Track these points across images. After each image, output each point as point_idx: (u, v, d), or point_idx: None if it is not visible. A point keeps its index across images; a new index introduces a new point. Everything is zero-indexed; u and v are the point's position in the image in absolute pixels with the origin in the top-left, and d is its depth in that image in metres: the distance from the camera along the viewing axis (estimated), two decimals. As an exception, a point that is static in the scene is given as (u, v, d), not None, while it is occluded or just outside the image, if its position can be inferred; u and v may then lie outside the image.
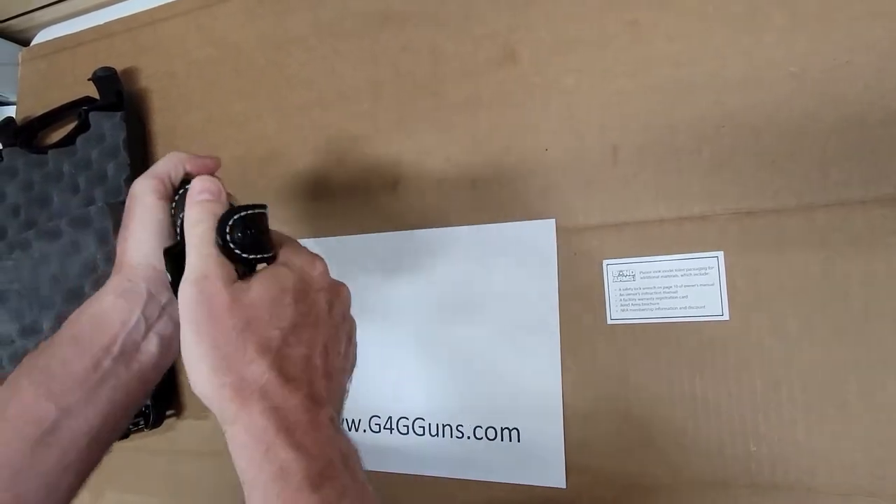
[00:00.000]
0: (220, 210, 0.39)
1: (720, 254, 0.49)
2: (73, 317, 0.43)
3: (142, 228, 0.43)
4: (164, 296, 0.44)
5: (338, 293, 0.42)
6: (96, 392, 0.41)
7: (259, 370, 0.35)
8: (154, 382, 0.46)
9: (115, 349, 0.42)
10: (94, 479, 0.71)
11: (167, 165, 0.45)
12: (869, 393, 0.44)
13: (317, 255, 0.42)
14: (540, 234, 0.55)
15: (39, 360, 0.41)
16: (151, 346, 0.44)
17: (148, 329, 0.43)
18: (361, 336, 0.46)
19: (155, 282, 0.43)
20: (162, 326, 0.44)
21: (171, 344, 0.45)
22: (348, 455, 0.36)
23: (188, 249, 0.38)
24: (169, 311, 0.44)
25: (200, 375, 0.35)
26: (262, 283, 0.37)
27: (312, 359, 0.38)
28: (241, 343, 0.35)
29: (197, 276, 0.36)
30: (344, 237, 0.63)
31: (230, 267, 0.38)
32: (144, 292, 0.43)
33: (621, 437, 0.50)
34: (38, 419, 0.39)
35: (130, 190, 0.45)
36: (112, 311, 0.42)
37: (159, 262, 0.42)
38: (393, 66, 0.63)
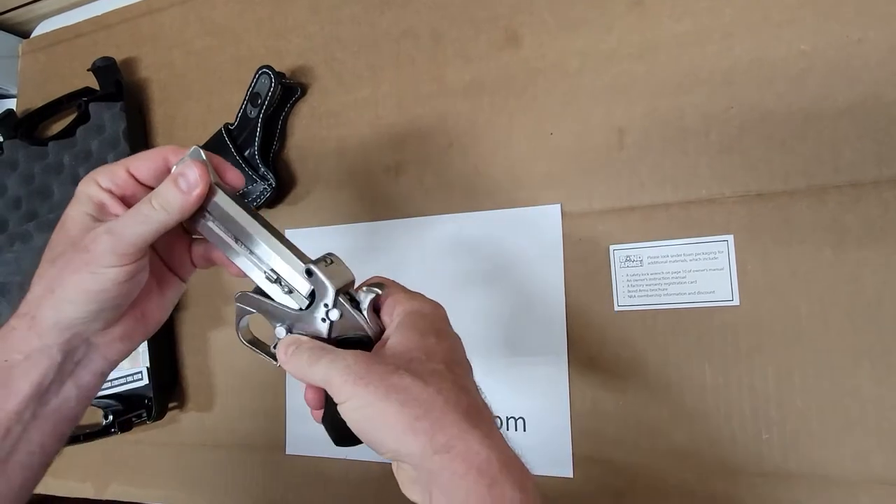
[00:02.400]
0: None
1: (729, 237, 0.48)
2: None
3: (80, 289, 0.37)
4: (81, 351, 0.40)
5: (460, 341, 0.40)
6: (7, 462, 0.38)
7: (453, 399, 0.33)
8: (71, 429, 0.42)
9: (27, 414, 0.38)
10: (98, 471, 0.71)
11: (136, 234, 0.37)
12: (883, 379, 0.43)
13: (435, 302, 0.40)
14: (545, 220, 0.54)
15: None
16: (68, 401, 0.40)
17: (62, 385, 0.40)
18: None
19: (73, 341, 0.39)
20: (80, 378, 0.41)
21: (89, 390, 0.41)
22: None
23: (305, 377, 0.36)
24: (86, 364, 0.40)
25: (385, 421, 0.32)
26: (403, 332, 0.36)
27: (473, 394, 0.36)
28: (418, 378, 0.33)
29: (332, 361, 0.35)
30: (345, 226, 0.62)
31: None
32: (58, 356, 0.39)
33: (629, 426, 0.49)
34: None
35: (84, 241, 0.38)
36: (22, 374, 0.38)
37: (86, 325, 0.38)
38: (393, 52, 0.62)
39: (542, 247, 0.54)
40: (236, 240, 0.40)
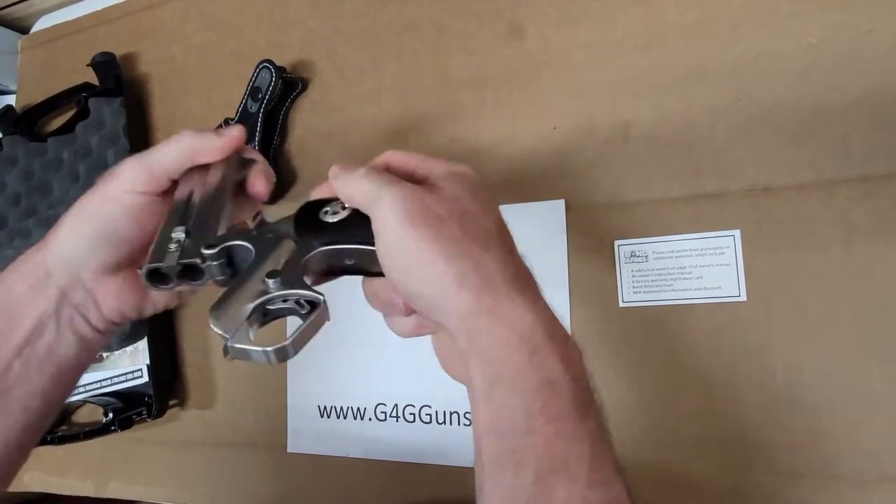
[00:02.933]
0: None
1: (736, 232, 0.47)
2: None
3: (92, 214, 0.38)
4: (79, 295, 0.39)
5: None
6: (7, 399, 0.38)
7: (502, 259, 0.31)
8: (73, 383, 0.42)
9: (27, 350, 0.38)
10: (99, 469, 0.70)
11: (170, 159, 0.39)
12: (893, 375, 0.42)
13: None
14: (548, 215, 0.53)
15: None
16: (68, 347, 0.40)
17: (61, 328, 0.39)
18: (367, 322, 0.44)
19: (71, 276, 0.39)
20: (78, 326, 0.40)
21: (91, 344, 0.41)
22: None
23: (359, 190, 0.33)
24: (83, 311, 0.40)
25: (433, 271, 0.30)
26: (453, 182, 0.34)
27: (520, 261, 0.34)
28: (469, 232, 0.31)
29: (387, 181, 0.32)
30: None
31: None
32: (55, 290, 0.38)
33: (634, 425, 0.49)
34: None
35: (113, 169, 0.39)
36: (23, 304, 0.38)
37: (86, 256, 0.38)
38: (395, 46, 0.61)
39: (545, 242, 0.53)
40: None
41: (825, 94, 0.46)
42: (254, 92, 0.62)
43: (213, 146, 0.40)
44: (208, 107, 0.70)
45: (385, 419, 0.57)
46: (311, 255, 0.35)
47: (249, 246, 0.35)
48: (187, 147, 0.39)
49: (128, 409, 0.66)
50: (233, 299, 0.33)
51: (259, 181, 0.41)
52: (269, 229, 0.36)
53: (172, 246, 0.35)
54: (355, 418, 0.59)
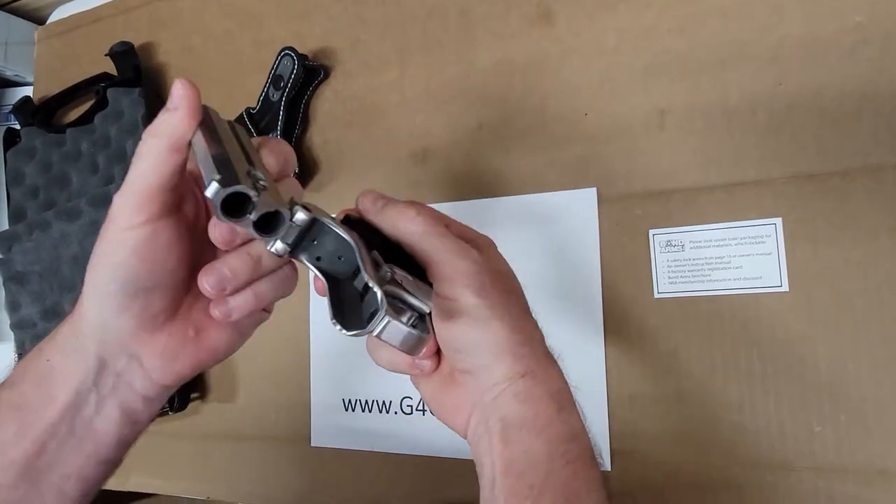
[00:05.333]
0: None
1: (778, 221, 0.46)
2: (18, 369, 0.35)
3: (103, 265, 0.33)
4: (121, 362, 0.35)
5: None
6: (41, 482, 0.34)
7: (540, 333, 0.37)
8: (115, 463, 0.37)
9: (63, 429, 0.34)
10: (120, 463, 0.70)
11: (151, 174, 0.32)
12: (945, 368, 0.41)
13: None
14: (580, 205, 0.52)
15: None
16: (109, 423, 0.35)
17: (102, 400, 0.35)
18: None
19: (108, 342, 0.34)
20: (123, 397, 0.35)
21: (137, 416, 0.36)
22: None
23: (417, 239, 0.35)
24: (128, 379, 0.35)
25: (497, 341, 0.34)
26: (498, 259, 0.38)
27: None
28: (519, 306, 0.36)
29: (458, 249, 0.35)
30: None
31: None
32: (93, 357, 0.34)
33: (670, 418, 0.47)
34: None
35: (109, 210, 0.33)
36: (60, 379, 0.34)
37: (116, 316, 0.33)
38: (420, 32, 0.60)
39: (577, 233, 0.52)
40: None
41: (872, 75, 0.44)
42: (276, 80, 0.61)
43: (176, 121, 0.32)
44: (228, 96, 0.68)
45: (411, 413, 0.56)
46: (390, 265, 0.35)
47: (335, 229, 0.33)
48: (158, 148, 0.32)
49: (149, 402, 0.65)
50: (346, 298, 0.32)
51: (277, 151, 0.35)
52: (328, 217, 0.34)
53: (241, 176, 0.30)
54: (381, 412, 0.58)
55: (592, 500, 0.33)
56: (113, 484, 0.69)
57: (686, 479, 0.46)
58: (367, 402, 0.58)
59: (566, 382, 0.36)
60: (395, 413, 0.57)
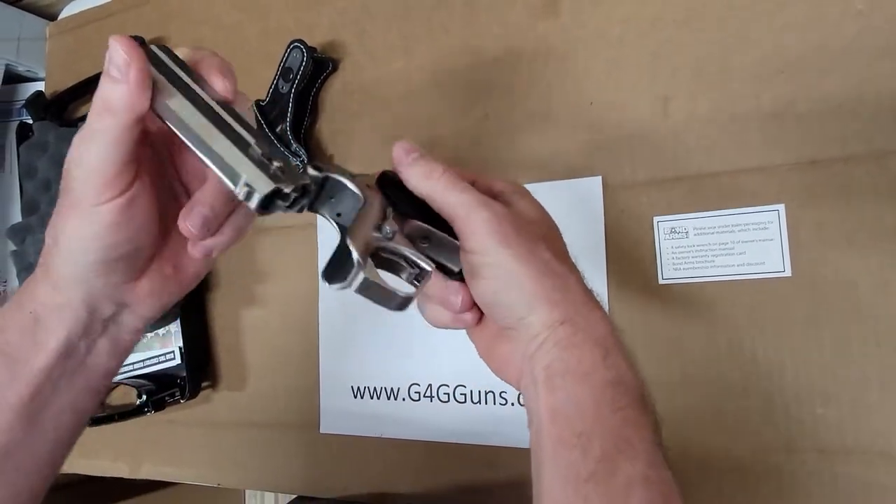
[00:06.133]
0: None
1: (781, 207, 0.46)
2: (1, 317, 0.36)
3: (77, 238, 0.33)
4: (109, 308, 0.36)
5: None
6: (38, 421, 0.35)
7: (577, 276, 0.36)
8: (105, 392, 0.39)
9: (56, 372, 0.35)
10: (132, 451, 0.71)
11: (106, 151, 0.31)
12: (947, 350, 0.41)
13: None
14: (585, 193, 0.52)
15: None
16: (100, 357, 0.37)
17: (93, 342, 0.36)
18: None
19: (95, 296, 0.35)
20: (112, 335, 0.37)
21: (124, 345, 0.38)
22: None
23: (439, 194, 0.35)
24: (117, 321, 0.37)
25: (524, 286, 0.34)
26: (527, 204, 0.38)
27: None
28: (549, 252, 0.35)
29: (479, 199, 0.34)
30: (379, 202, 0.61)
31: None
32: (82, 310, 0.35)
33: (676, 403, 0.48)
34: None
35: (65, 181, 0.33)
36: (48, 329, 0.35)
37: (99, 277, 0.34)
38: (426, 23, 0.60)
39: (582, 220, 0.52)
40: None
41: (874, 61, 0.44)
42: (285, 72, 0.62)
43: (128, 97, 0.30)
44: (238, 88, 0.69)
45: (419, 399, 0.57)
46: (407, 222, 0.36)
47: (348, 185, 0.34)
48: (115, 127, 0.31)
49: (161, 390, 0.66)
50: (356, 235, 0.32)
51: (220, 77, 0.34)
52: (346, 174, 0.35)
53: (254, 162, 0.31)
54: (389, 398, 0.58)
55: (644, 447, 0.31)
56: (125, 472, 0.70)
57: (692, 462, 0.47)
58: (375, 388, 0.59)
59: (611, 326, 0.35)
60: (403, 399, 0.58)
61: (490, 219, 0.34)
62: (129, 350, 0.39)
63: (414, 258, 0.35)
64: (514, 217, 0.35)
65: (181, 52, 0.35)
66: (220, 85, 0.34)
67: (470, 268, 0.35)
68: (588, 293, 0.35)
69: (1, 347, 0.35)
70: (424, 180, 0.36)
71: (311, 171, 0.33)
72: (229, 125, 0.32)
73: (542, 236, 0.35)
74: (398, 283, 0.34)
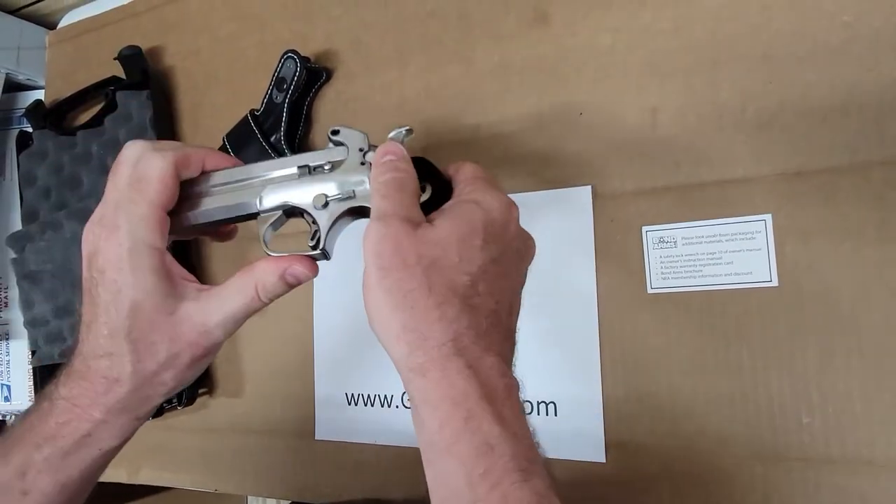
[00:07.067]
0: (406, 166, 0.38)
1: (768, 217, 0.47)
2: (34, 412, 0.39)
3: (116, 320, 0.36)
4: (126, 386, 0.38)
5: (528, 245, 0.38)
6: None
7: (449, 317, 0.31)
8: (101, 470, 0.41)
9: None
10: (131, 457, 0.72)
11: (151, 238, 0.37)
12: (931, 360, 0.42)
13: (511, 200, 0.37)
14: (575, 202, 0.53)
15: None
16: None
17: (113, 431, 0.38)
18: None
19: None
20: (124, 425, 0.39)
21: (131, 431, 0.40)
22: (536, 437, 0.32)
23: (371, 198, 0.37)
24: (127, 404, 0.38)
25: (382, 316, 0.32)
26: (450, 221, 0.34)
27: (499, 314, 0.34)
28: (427, 283, 0.31)
29: (381, 214, 0.34)
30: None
31: (417, 209, 0.35)
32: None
33: (663, 411, 0.48)
34: None
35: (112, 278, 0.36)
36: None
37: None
38: (420, 33, 0.61)
39: (572, 229, 0.53)
40: (245, 180, 0.41)
41: (859, 74, 0.45)
42: (279, 82, 0.62)
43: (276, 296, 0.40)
44: (234, 98, 0.70)
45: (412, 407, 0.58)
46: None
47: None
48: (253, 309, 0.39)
49: (158, 397, 0.67)
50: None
51: (213, 158, 0.42)
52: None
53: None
54: (383, 406, 0.59)
55: None
56: (124, 477, 0.71)
57: (679, 470, 0.47)
58: (369, 396, 0.60)
59: (479, 375, 0.30)
60: (397, 407, 0.58)
61: (374, 234, 0.33)
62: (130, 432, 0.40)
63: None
64: (399, 237, 0.33)
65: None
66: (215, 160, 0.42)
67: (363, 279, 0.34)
68: (457, 333, 0.31)
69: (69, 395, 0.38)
70: (373, 180, 0.37)
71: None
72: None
73: (428, 260, 0.32)
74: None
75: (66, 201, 0.74)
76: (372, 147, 0.40)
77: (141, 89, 0.72)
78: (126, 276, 0.35)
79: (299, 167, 0.41)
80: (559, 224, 0.53)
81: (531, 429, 0.32)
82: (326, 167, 0.40)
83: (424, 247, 0.33)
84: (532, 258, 0.39)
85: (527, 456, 0.30)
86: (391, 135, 0.39)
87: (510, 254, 0.35)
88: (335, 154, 0.41)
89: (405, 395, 0.58)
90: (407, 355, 0.31)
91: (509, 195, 0.54)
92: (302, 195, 0.40)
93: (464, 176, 0.39)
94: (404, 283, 0.32)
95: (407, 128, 0.39)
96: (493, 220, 0.35)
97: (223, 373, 0.68)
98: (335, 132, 0.40)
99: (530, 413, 0.52)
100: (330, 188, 0.39)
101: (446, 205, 0.37)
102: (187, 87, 0.74)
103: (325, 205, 0.39)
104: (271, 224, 0.40)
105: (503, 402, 0.31)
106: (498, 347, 0.33)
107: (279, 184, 0.40)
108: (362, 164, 0.39)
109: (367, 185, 0.39)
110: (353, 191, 0.39)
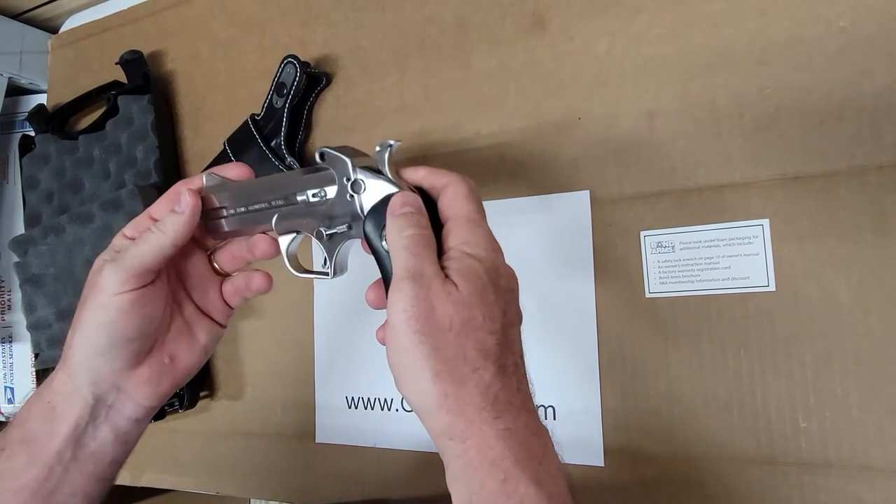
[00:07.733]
0: (426, 221, 0.36)
1: (765, 222, 0.47)
2: (22, 412, 0.41)
3: (93, 325, 0.39)
4: (112, 395, 0.41)
5: (515, 280, 0.37)
6: (51, 500, 0.39)
7: (486, 382, 0.31)
8: (111, 480, 0.43)
9: (67, 455, 0.39)
10: (134, 460, 0.72)
11: (147, 257, 0.40)
12: (927, 365, 0.42)
13: (493, 237, 0.37)
14: (573, 207, 0.53)
15: None
16: (105, 445, 0.41)
17: (97, 428, 0.40)
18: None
19: (100, 382, 0.40)
20: (114, 422, 0.41)
21: (126, 435, 0.42)
22: (572, 489, 0.33)
23: (395, 252, 0.35)
24: (118, 408, 0.41)
25: (420, 382, 0.32)
26: (463, 279, 0.33)
27: (520, 365, 0.34)
28: (462, 349, 0.31)
29: (413, 273, 0.33)
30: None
31: (439, 267, 0.34)
32: (89, 396, 0.40)
33: (662, 415, 0.49)
34: None
35: (95, 279, 0.40)
36: (61, 415, 0.40)
37: (106, 362, 0.40)
38: (418, 39, 0.61)
39: (570, 234, 0.53)
40: (257, 206, 0.43)
41: (856, 79, 0.45)
42: (279, 87, 0.63)
43: (181, 225, 0.40)
44: (234, 102, 0.70)
45: (412, 410, 0.58)
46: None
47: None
48: (161, 242, 0.40)
49: (160, 400, 0.67)
50: None
51: (234, 168, 0.45)
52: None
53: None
54: (383, 409, 0.59)
55: None
56: (127, 480, 0.72)
57: (677, 474, 0.48)
58: (369, 399, 0.60)
59: (516, 437, 0.31)
60: (397, 410, 0.59)
61: (407, 296, 0.32)
62: (132, 440, 0.43)
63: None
64: (432, 299, 0.32)
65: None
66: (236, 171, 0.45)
67: (387, 340, 0.34)
68: (496, 397, 0.32)
69: (24, 436, 0.40)
70: (395, 233, 0.36)
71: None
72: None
73: (460, 323, 0.32)
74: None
75: (68, 205, 0.75)
76: (358, 169, 0.39)
77: (142, 94, 0.72)
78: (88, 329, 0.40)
79: (299, 199, 0.42)
80: (557, 229, 0.54)
81: (565, 481, 0.33)
82: (321, 195, 0.41)
83: (454, 308, 0.32)
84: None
85: (565, 497, 0.31)
86: (377, 149, 0.38)
87: (510, 297, 0.36)
88: (325, 179, 0.41)
89: (404, 399, 0.58)
90: (449, 422, 0.31)
91: (508, 200, 0.55)
92: (307, 225, 0.42)
93: (452, 213, 0.37)
94: (442, 351, 0.31)
95: (392, 141, 0.38)
96: (492, 268, 0.35)
97: (224, 376, 0.69)
98: (322, 156, 0.40)
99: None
100: (326, 223, 0.41)
101: (450, 262, 0.35)
102: (188, 91, 0.75)
103: (327, 237, 0.41)
104: (290, 244, 0.44)
105: (539, 462, 0.31)
106: (529, 402, 0.33)
107: (286, 216, 0.43)
108: (350, 197, 0.39)
109: (359, 211, 0.39)
110: (349, 224, 0.40)
